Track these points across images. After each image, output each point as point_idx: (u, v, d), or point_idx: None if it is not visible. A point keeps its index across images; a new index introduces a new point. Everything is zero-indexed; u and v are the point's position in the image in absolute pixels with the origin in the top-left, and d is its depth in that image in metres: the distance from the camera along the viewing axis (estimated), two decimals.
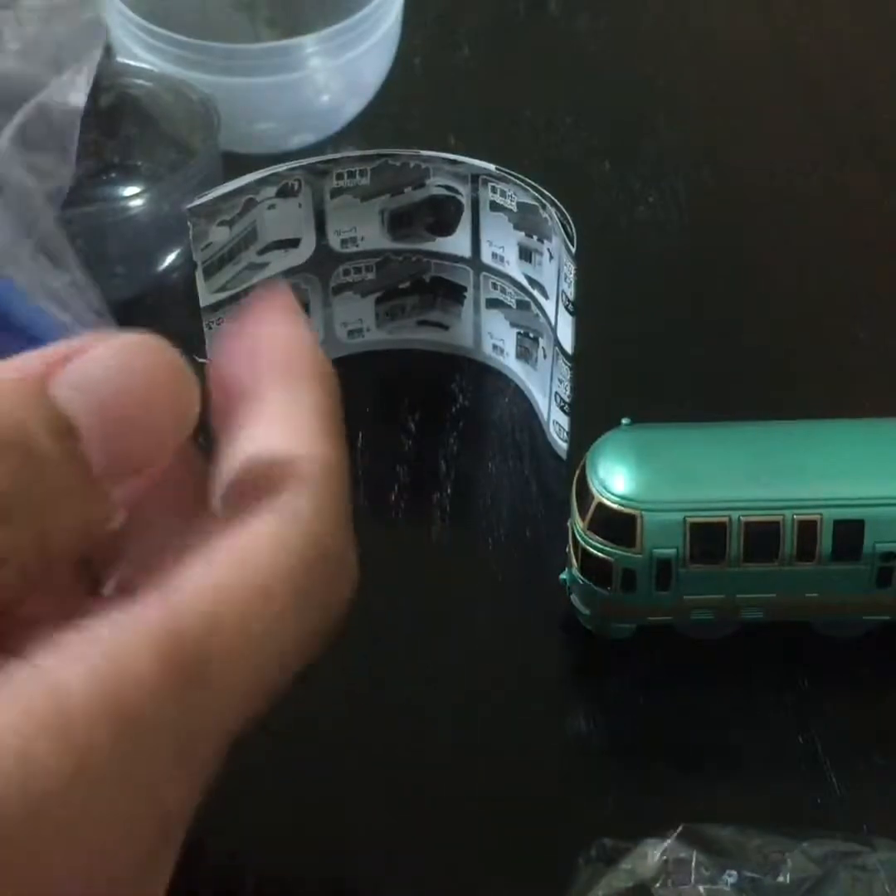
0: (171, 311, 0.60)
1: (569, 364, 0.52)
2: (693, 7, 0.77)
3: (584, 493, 0.47)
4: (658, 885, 0.42)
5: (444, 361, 0.59)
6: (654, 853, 0.42)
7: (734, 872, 0.42)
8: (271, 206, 0.54)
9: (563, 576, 0.50)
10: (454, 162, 0.55)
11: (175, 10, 0.67)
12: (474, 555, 0.53)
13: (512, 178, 0.54)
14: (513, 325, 0.57)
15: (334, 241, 0.57)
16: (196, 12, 0.69)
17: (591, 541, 0.47)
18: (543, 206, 0.53)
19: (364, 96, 0.69)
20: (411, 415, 0.57)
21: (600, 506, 0.47)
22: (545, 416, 0.56)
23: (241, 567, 0.28)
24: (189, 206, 0.52)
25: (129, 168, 0.66)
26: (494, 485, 0.55)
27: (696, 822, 0.43)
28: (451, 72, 0.73)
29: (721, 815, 0.43)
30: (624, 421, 0.49)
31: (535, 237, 0.54)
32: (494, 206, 0.55)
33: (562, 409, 0.54)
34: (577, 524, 0.48)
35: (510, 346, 0.58)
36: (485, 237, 0.56)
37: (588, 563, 0.48)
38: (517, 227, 0.55)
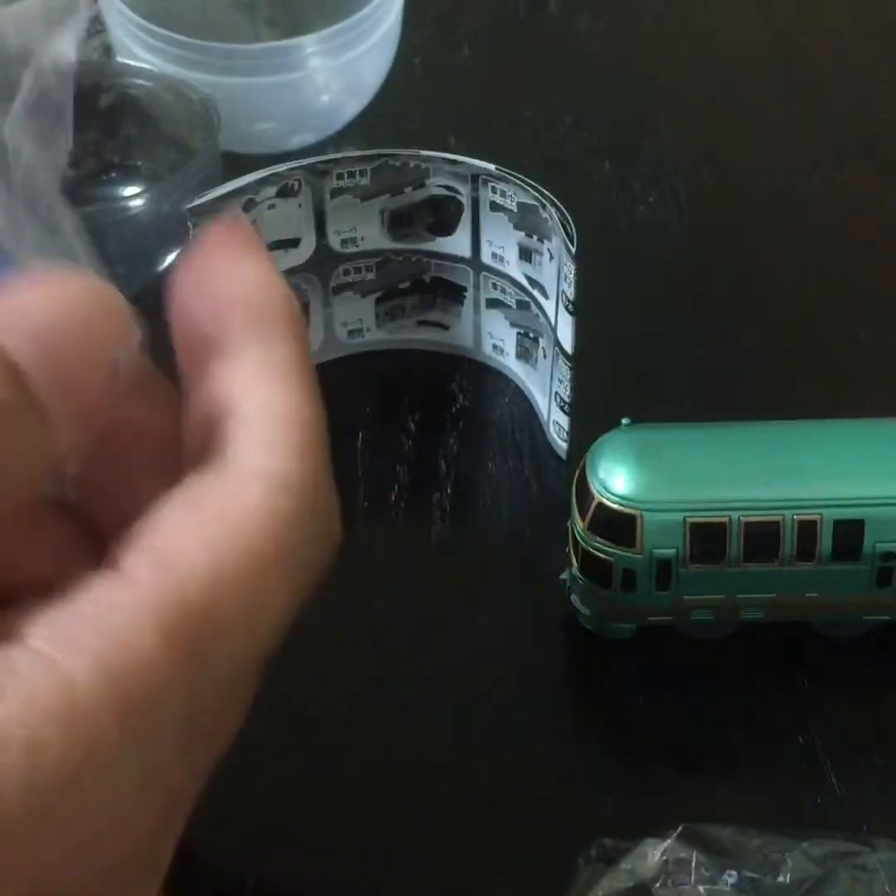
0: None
1: (569, 364, 0.52)
2: (693, 7, 0.77)
3: (584, 493, 0.47)
4: (658, 885, 0.42)
5: (444, 361, 0.59)
6: (654, 853, 0.42)
7: (734, 872, 0.42)
8: (271, 206, 0.54)
9: (563, 576, 0.50)
10: (454, 162, 0.55)
11: (175, 10, 0.67)
12: (474, 555, 0.53)
13: (512, 178, 0.54)
14: (513, 325, 0.57)
15: (334, 241, 0.57)
16: (196, 12, 0.69)
17: (591, 541, 0.47)
18: (543, 206, 0.53)
19: (364, 96, 0.69)
20: (411, 415, 0.57)
21: (600, 506, 0.47)
22: (545, 416, 0.56)
23: (236, 538, 0.28)
24: (189, 206, 0.52)
25: (129, 168, 0.66)
26: (494, 485, 0.55)
27: (696, 822, 0.43)
28: (451, 72, 0.73)
29: (721, 815, 0.43)
30: (624, 421, 0.48)
31: (535, 237, 0.54)
32: (494, 206, 0.55)
33: (562, 409, 0.54)
34: (577, 524, 0.48)
35: (510, 346, 0.58)
36: (485, 237, 0.56)
37: (588, 563, 0.48)
38: (517, 227, 0.55)
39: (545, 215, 0.53)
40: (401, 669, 0.49)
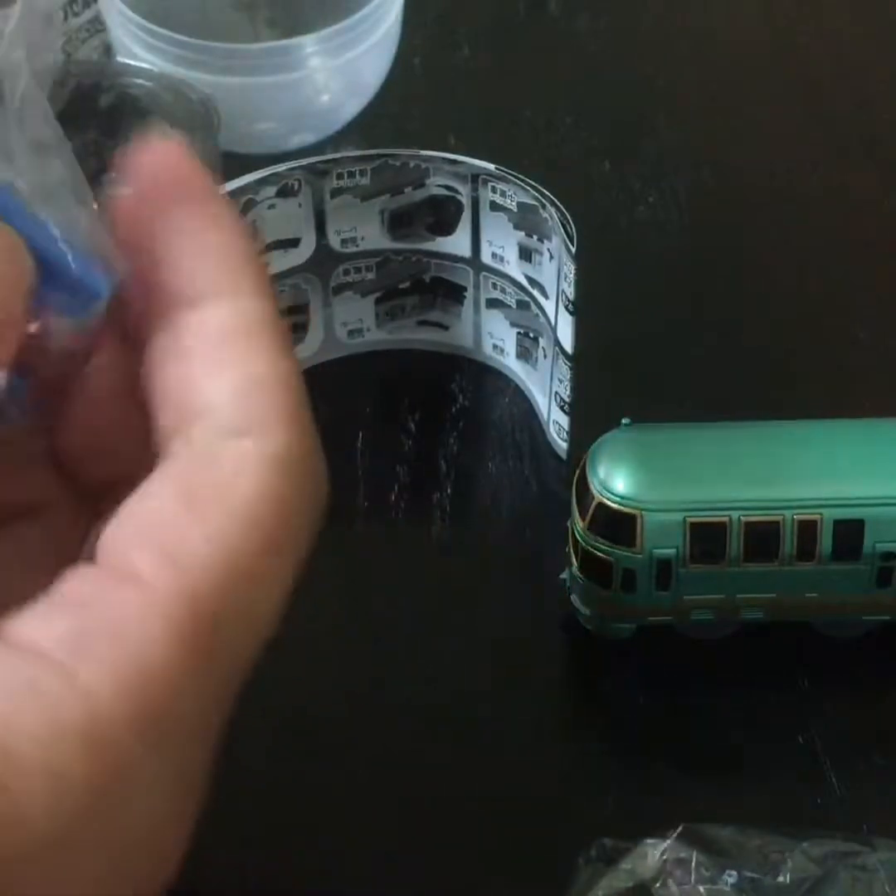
0: None
1: (569, 364, 0.52)
2: (693, 7, 0.77)
3: (584, 493, 0.47)
4: (658, 885, 0.42)
5: (444, 361, 0.59)
6: (654, 853, 0.42)
7: (734, 872, 0.42)
8: (271, 206, 0.54)
9: (563, 576, 0.50)
10: (454, 162, 0.55)
11: (175, 10, 0.67)
12: (474, 555, 0.53)
13: (512, 178, 0.54)
14: (513, 324, 0.57)
15: (334, 241, 0.57)
16: (196, 12, 0.69)
17: (591, 541, 0.47)
18: (543, 206, 0.53)
19: (364, 96, 0.69)
20: (411, 415, 0.57)
21: (600, 506, 0.47)
22: (545, 416, 0.56)
23: (237, 527, 0.28)
24: None
25: None
26: (494, 485, 0.55)
27: (696, 822, 0.43)
28: (451, 72, 0.73)
29: (721, 815, 0.43)
30: (624, 421, 0.49)
31: (535, 237, 0.54)
32: (494, 206, 0.55)
33: (562, 409, 0.54)
34: (577, 524, 0.48)
35: (510, 346, 0.58)
36: (485, 237, 0.56)
37: (588, 563, 0.48)
38: (517, 226, 0.55)
39: (545, 215, 0.53)
40: (401, 669, 0.49)
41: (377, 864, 0.44)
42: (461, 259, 0.57)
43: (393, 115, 0.70)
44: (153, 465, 0.29)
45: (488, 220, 0.56)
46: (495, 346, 0.59)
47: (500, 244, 0.56)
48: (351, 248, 0.57)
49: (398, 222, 0.57)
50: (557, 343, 0.53)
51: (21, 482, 0.31)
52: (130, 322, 0.30)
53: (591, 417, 0.52)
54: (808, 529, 0.46)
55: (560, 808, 0.46)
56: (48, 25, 0.31)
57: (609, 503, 0.46)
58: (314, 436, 0.30)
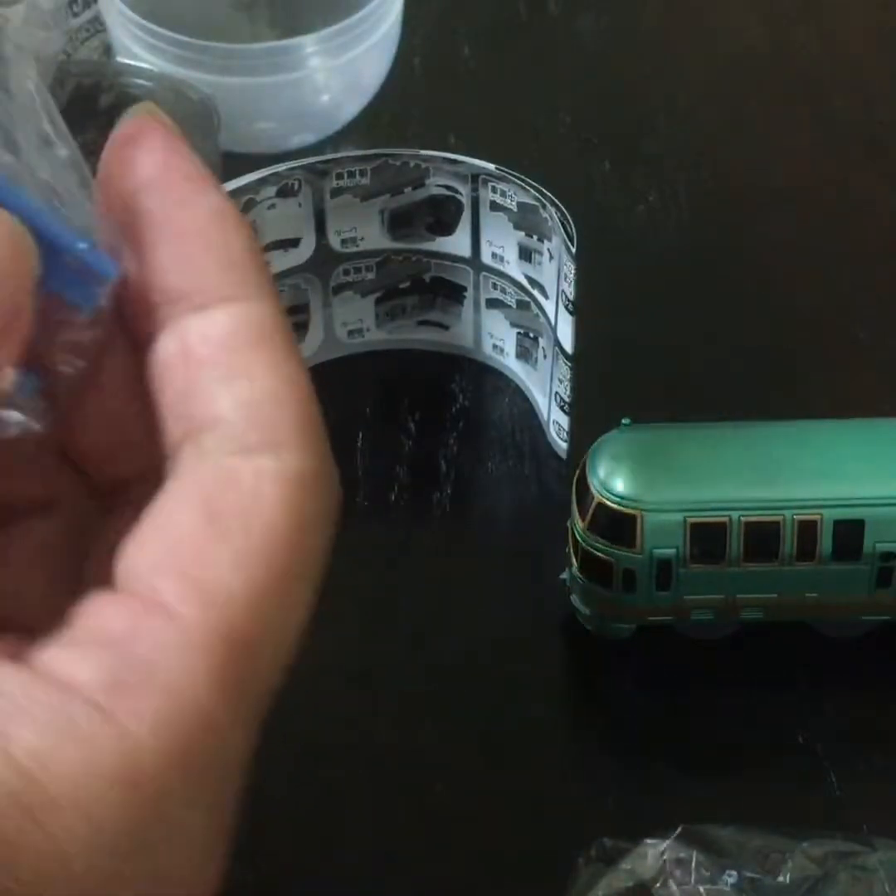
0: None
1: (569, 364, 0.52)
2: (693, 7, 0.77)
3: (584, 493, 0.47)
4: (658, 885, 0.42)
5: (444, 361, 0.59)
6: (654, 853, 0.42)
7: (734, 872, 0.42)
8: (271, 206, 0.54)
9: (563, 576, 0.50)
10: (454, 162, 0.55)
11: (175, 10, 0.67)
12: (474, 555, 0.53)
13: (512, 178, 0.54)
14: (513, 325, 0.57)
15: (334, 241, 0.57)
16: (196, 12, 0.69)
17: (591, 541, 0.47)
18: (543, 206, 0.53)
19: (364, 96, 0.69)
20: (411, 415, 0.57)
21: (600, 506, 0.47)
22: (545, 416, 0.56)
23: (265, 554, 0.27)
24: None
25: None
26: (494, 485, 0.55)
27: (696, 822, 0.43)
28: (451, 72, 0.73)
29: (721, 815, 0.43)
30: (624, 421, 0.49)
31: (535, 237, 0.54)
32: (494, 206, 0.55)
33: (562, 409, 0.54)
34: (577, 524, 0.48)
35: (510, 346, 0.58)
36: (485, 237, 0.56)
37: (588, 563, 0.48)
38: (517, 226, 0.55)
39: (545, 215, 0.53)
40: (401, 669, 0.49)
41: (377, 863, 0.44)
42: (461, 259, 0.57)
43: (393, 115, 0.70)
44: (163, 468, 0.29)
45: (488, 220, 0.56)
46: (495, 346, 0.59)
47: (500, 244, 0.56)
48: (351, 248, 0.57)
49: (398, 222, 0.57)
50: (557, 343, 0.53)
51: (35, 477, 0.31)
52: (130, 318, 0.30)
53: (591, 417, 0.52)
54: (808, 529, 0.46)
55: (560, 808, 0.46)
56: (53, 20, 0.31)
57: (609, 503, 0.46)
58: (327, 449, 0.29)
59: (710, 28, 0.76)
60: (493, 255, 0.56)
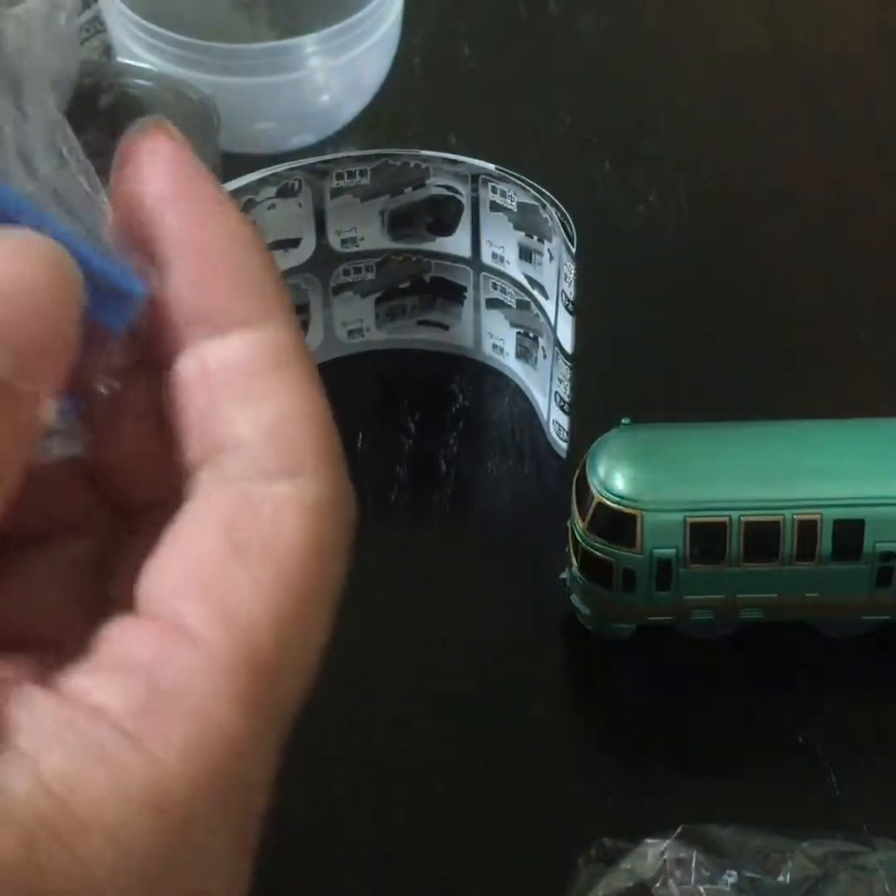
0: None
1: (569, 364, 0.52)
2: (693, 7, 0.77)
3: (584, 493, 0.47)
4: (658, 885, 0.42)
5: (444, 361, 0.59)
6: (654, 853, 0.42)
7: (734, 872, 0.42)
8: (271, 206, 0.54)
9: (563, 576, 0.50)
10: (454, 162, 0.55)
11: (175, 10, 0.67)
12: (474, 555, 0.53)
13: (512, 178, 0.54)
14: (513, 325, 0.57)
15: (334, 241, 0.57)
16: (196, 12, 0.69)
17: (591, 541, 0.47)
18: (543, 206, 0.53)
19: (364, 96, 0.69)
20: (411, 415, 0.57)
21: (600, 506, 0.47)
22: (545, 416, 0.56)
23: (287, 579, 0.28)
24: None
25: None
26: (494, 485, 0.55)
27: (696, 822, 0.43)
28: (451, 72, 0.73)
29: (721, 815, 0.43)
30: (624, 421, 0.49)
31: (535, 237, 0.54)
32: (494, 206, 0.55)
33: (562, 408, 0.54)
34: (577, 524, 0.48)
35: (510, 346, 0.58)
36: (485, 237, 0.56)
37: (588, 563, 0.48)
38: (517, 227, 0.55)
39: (545, 215, 0.53)
40: (401, 669, 0.49)
41: (377, 863, 0.44)
42: (461, 259, 0.57)
43: (393, 115, 0.70)
44: (182, 488, 0.29)
45: (488, 220, 0.56)
46: (495, 346, 0.59)
47: (500, 244, 0.56)
48: (351, 248, 0.57)
49: (398, 222, 0.57)
50: (557, 343, 0.53)
51: (66, 498, 0.31)
52: (149, 340, 0.30)
53: (591, 417, 0.52)
54: (808, 529, 0.46)
55: (560, 808, 0.46)
56: (69, 43, 0.31)
57: (609, 503, 0.46)
58: (345, 473, 0.29)
59: (710, 28, 0.76)
60: (493, 256, 0.56)
